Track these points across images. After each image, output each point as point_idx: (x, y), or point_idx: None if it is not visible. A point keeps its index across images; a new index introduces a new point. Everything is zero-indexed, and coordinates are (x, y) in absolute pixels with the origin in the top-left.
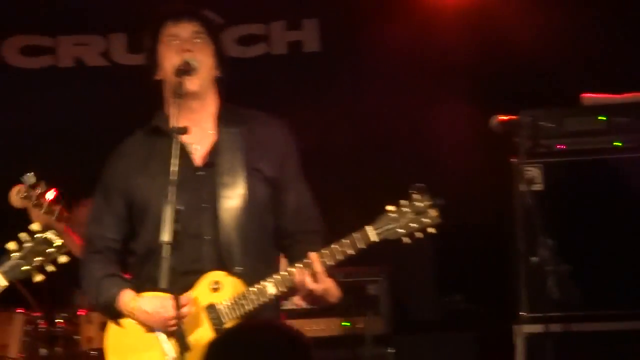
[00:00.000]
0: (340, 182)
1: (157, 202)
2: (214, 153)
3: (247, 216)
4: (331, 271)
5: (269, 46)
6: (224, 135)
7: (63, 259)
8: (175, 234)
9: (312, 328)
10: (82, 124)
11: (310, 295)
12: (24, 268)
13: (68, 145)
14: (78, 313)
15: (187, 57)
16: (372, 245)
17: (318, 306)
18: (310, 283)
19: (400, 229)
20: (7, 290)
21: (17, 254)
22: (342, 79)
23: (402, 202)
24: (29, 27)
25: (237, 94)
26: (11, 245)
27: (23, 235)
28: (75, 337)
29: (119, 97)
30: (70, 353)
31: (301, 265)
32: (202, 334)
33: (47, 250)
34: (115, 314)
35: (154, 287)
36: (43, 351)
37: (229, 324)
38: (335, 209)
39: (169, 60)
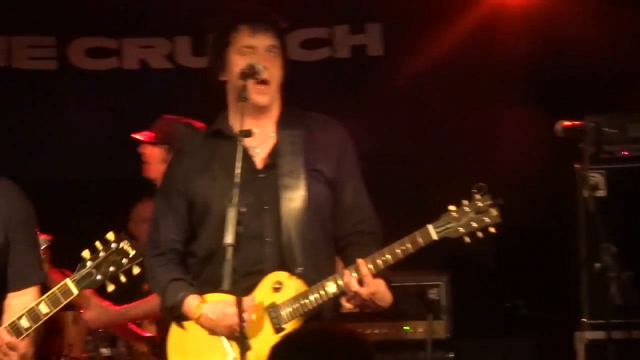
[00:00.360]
0: (401, 185)
1: (218, 205)
2: (274, 155)
3: (308, 217)
4: (390, 275)
5: (332, 50)
6: (284, 137)
7: (136, 270)
8: (238, 236)
9: (373, 332)
10: (147, 126)
11: (356, 298)
12: (97, 277)
13: (132, 147)
14: None
15: (253, 61)
16: (433, 247)
17: (367, 310)
18: (355, 286)
19: (461, 227)
20: None
21: (91, 262)
22: (405, 83)
23: (464, 201)
24: (95, 29)
25: (300, 97)
26: (86, 254)
27: (98, 244)
28: None
29: (183, 99)
30: (132, 353)
31: (350, 268)
32: (263, 334)
33: (121, 261)
34: (181, 318)
35: (216, 288)
36: (105, 351)
37: (289, 323)
38: (395, 212)
39: (238, 66)
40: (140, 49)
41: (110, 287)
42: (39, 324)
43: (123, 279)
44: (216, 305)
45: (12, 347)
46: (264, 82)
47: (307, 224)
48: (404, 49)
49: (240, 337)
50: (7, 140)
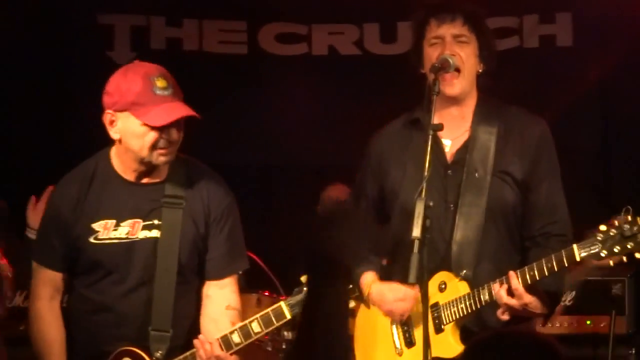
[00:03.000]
0: (584, 181)
1: (404, 196)
2: (464, 151)
3: (489, 219)
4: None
5: (521, 39)
6: (478, 133)
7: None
8: (425, 230)
9: (555, 325)
10: (334, 111)
11: (509, 309)
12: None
13: (320, 132)
14: None
15: (446, 55)
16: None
17: (523, 316)
18: (505, 298)
19: (604, 251)
20: (255, 273)
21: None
22: (595, 75)
23: (615, 222)
24: (285, 15)
25: (489, 87)
26: (304, 278)
27: (303, 279)
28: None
29: (371, 86)
30: (310, 337)
31: (501, 280)
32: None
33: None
34: (359, 292)
35: (404, 280)
36: (287, 334)
37: (448, 325)
38: (575, 208)
39: (430, 59)
40: (329, 35)
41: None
42: (249, 341)
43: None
44: (382, 287)
45: None
46: (455, 70)
47: (487, 225)
48: (595, 39)
49: (406, 329)
50: (194, 123)
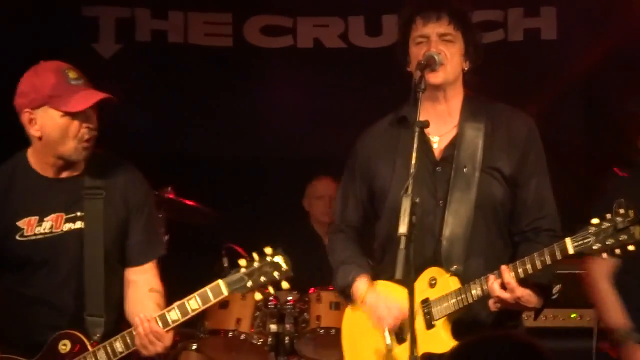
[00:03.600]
0: (570, 176)
1: (394, 193)
2: (452, 148)
3: (478, 215)
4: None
5: (505, 33)
6: (466, 130)
7: (286, 285)
8: (412, 226)
9: (540, 318)
10: (318, 103)
11: (501, 302)
12: (247, 284)
13: (305, 124)
14: (309, 292)
15: (432, 52)
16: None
17: (514, 309)
18: (497, 291)
19: (597, 244)
20: (236, 264)
21: (245, 269)
22: (579, 68)
23: (607, 215)
24: (271, 7)
25: (475, 84)
26: (242, 262)
27: (255, 255)
28: (305, 315)
29: (356, 78)
30: (298, 330)
31: (494, 273)
32: (416, 327)
33: (273, 273)
34: (349, 299)
35: (391, 276)
36: (273, 327)
37: (439, 320)
38: (566, 205)
39: (415, 57)
40: (314, 28)
41: (258, 296)
42: (186, 318)
43: (272, 290)
44: (378, 298)
45: (158, 337)
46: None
47: (477, 221)
48: (579, 33)
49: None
50: (180, 115)
